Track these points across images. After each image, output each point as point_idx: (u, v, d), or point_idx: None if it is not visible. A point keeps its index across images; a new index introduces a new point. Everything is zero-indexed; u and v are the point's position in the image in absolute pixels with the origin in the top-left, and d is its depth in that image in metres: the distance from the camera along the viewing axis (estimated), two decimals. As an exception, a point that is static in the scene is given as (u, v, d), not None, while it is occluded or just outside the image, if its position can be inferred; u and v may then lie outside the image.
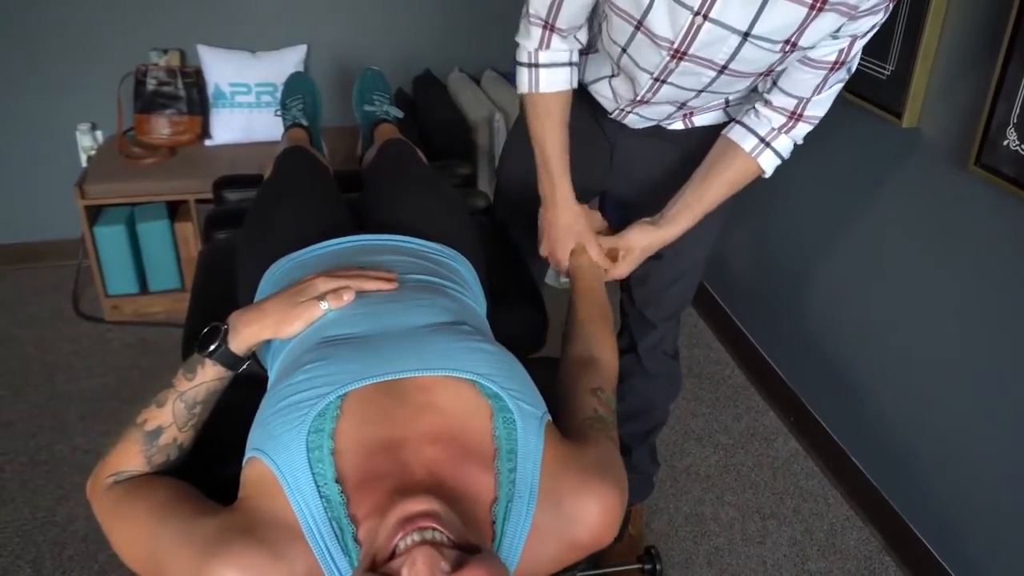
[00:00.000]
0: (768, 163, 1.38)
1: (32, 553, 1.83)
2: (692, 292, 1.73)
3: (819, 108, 1.32)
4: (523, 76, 1.38)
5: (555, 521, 0.88)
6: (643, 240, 1.42)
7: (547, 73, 1.36)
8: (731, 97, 1.42)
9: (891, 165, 1.84)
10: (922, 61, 1.67)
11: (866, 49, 1.80)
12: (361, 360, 0.93)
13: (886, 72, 1.76)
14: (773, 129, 1.34)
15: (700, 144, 1.44)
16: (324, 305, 1.01)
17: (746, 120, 1.36)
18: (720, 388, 2.44)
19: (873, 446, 1.97)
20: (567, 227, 1.43)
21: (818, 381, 2.18)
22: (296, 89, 2.06)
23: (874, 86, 1.80)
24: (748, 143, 1.36)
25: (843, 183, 2.00)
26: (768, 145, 1.36)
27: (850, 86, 1.83)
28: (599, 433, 1.01)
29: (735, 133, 1.37)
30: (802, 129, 1.35)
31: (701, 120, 1.48)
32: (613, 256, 1.44)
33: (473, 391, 0.92)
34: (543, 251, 1.49)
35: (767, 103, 1.33)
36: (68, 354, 2.49)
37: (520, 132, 1.73)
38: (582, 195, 1.53)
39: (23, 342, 2.54)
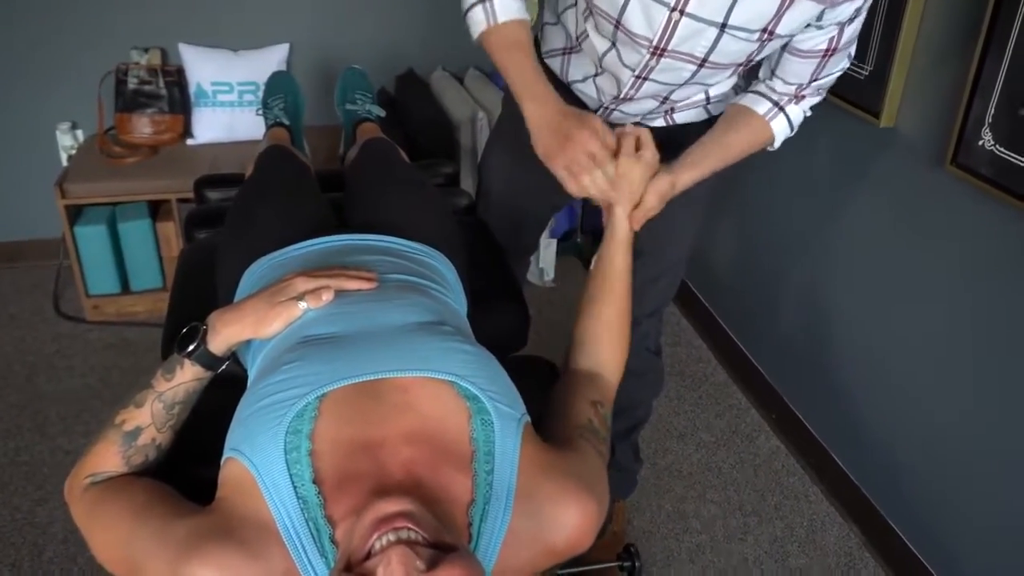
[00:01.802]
0: (780, 129, 1.38)
1: (11, 556, 1.81)
2: (674, 289, 1.74)
3: (822, 86, 1.35)
4: (477, 15, 1.31)
5: (532, 525, 0.88)
6: (660, 183, 1.26)
7: (500, 2, 1.30)
8: (712, 93, 1.43)
9: (869, 164, 1.85)
10: (899, 60, 1.69)
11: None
12: (340, 360, 0.93)
13: (864, 72, 1.77)
14: (785, 95, 1.36)
15: (681, 142, 1.45)
16: (303, 305, 1.01)
17: (758, 88, 1.38)
18: (702, 386, 2.46)
19: (854, 443, 1.99)
20: (581, 125, 1.20)
21: (800, 379, 2.19)
22: (278, 88, 2.06)
23: (852, 86, 1.81)
24: (762, 107, 1.37)
25: (822, 182, 2.02)
26: (782, 110, 1.36)
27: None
28: (587, 444, 1.01)
29: (747, 99, 1.38)
30: (811, 101, 1.38)
31: (682, 118, 1.49)
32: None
33: (451, 392, 0.92)
34: (578, 186, 1.23)
35: (770, 88, 1.35)
36: (49, 354, 2.47)
37: (502, 131, 1.74)
38: (562, 196, 1.52)
39: (2, 342, 2.52)
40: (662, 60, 1.26)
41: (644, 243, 1.53)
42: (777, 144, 1.42)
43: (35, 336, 2.55)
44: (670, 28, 1.20)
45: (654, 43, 1.23)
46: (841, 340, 2.00)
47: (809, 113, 1.41)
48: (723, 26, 1.17)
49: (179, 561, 0.81)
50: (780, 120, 1.38)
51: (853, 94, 1.82)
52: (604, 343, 1.19)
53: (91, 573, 1.77)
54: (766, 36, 1.19)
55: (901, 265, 1.78)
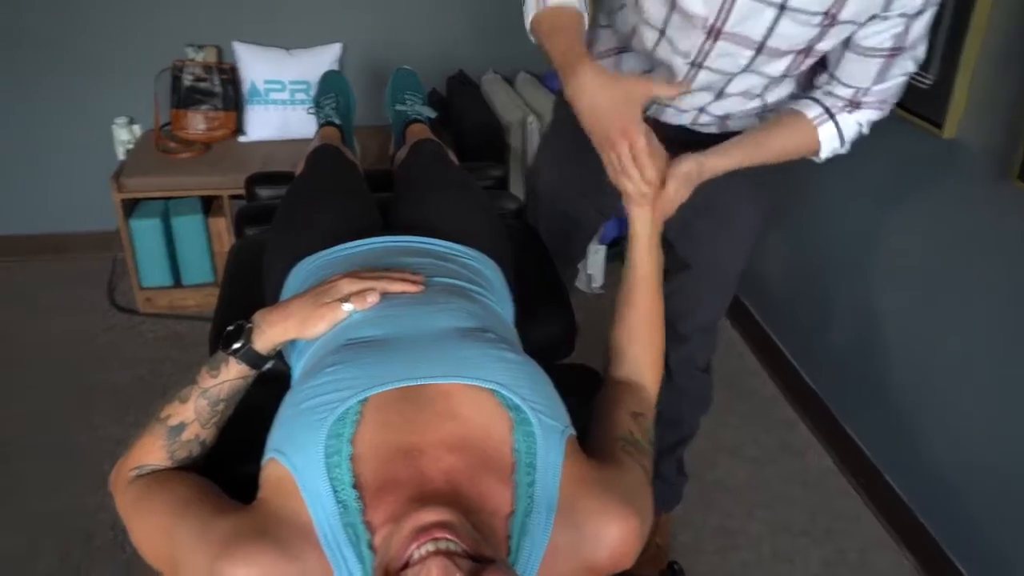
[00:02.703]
0: (827, 137, 1.30)
1: (61, 542, 1.84)
2: (724, 306, 1.69)
3: (884, 95, 1.27)
4: (529, 1, 1.31)
5: (573, 541, 0.86)
6: (685, 165, 1.22)
7: None
8: (768, 100, 1.38)
9: (931, 177, 1.79)
10: (964, 70, 1.62)
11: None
12: (383, 364, 0.92)
13: (927, 81, 1.71)
14: (839, 105, 1.29)
15: None
16: (348, 307, 1.00)
17: (812, 94, 1.32)
18: (751, 399, 2.40)
19: (909, 466, 1.92)
20: (613, 102, 1.14)
21: (853, 396, 2.13)
22: (330, 87, 2.06)
23: (914, 96, 1.74)
24: (812, 111, 1.30)
25: (881, 195, 1.95)
26: (832, 117, 1.29)
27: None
28: (629, 457, 0.99)
29: (800, 103, 1.33)
30: (868, 113, 1.29)
31: (736, 125, 1.45)
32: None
33: (493, 401, 0.90)
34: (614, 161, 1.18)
35: (827, 93, 1.29)
36: (102, 345, 2.52)
37: (553, 136, 1.71)
38: (609, 203, 1.48)
39: (59, 332, 2.57)
40: (718, 43, 1.22)
41: (691, 257, 1.49)
42: (824, 155, 1.34)
43: (89, 327, 2.60)
44: (727, 5, 1.16)
45: (710, 22, 1.19)
46: (897, 358, 1.94)
47: (866, 130, 1.33)
48: (782, 7, 1.13)
49: (217, 559, 0.80)
50: (828, 127, 1.30)
51: (915, 104, 1.75)
52: (637, 351, 1.17)
53: (137, 561, 1.78)
54: (827, 20, 1.14)
55: (961, 282, 1.71)
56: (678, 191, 1.22)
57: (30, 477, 2.02)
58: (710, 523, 1.97)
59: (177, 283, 2.71)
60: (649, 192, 1.18)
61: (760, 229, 1.58)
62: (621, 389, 1.13)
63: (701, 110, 1.42)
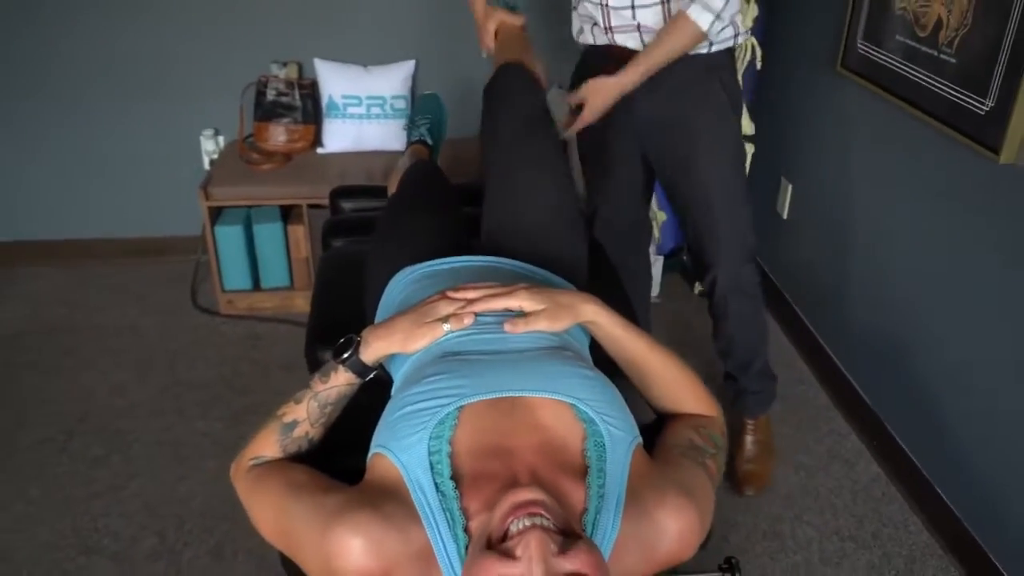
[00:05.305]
0: (697, 14, 1.74)
1: (158, 525, 2.01)
2: (746, 241, 1.99)
3: None
4: None
5: (637, 533, 0.98)
6: (597, 83, 1.82)
7: None
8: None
9: (985, 200, 1.84)
10: (1022, 97, 1.68)
11: (965, 82, 1.81)
12: (477, 377, 1.06)
13: (985, 107, 1.77)
14: None
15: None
16: (447, 327, 1.12)
17: None
18: (803, 409, 2.47)
19: (958, 477, 1.97)
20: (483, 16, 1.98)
21: (903, 407, 2.19)
22: (427, 109, 2.22)
23: (972, 120, 1.80)
24: (683, 3, 1.77)
25: (934, 214, 2.01)
26: None
27: (946, 119, 1.87)
28: (689, 460, 1.10)
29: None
30: None
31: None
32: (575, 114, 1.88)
33: (570, 413, 1.04)
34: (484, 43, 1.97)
35: None
36: (187, 344, 2.70)
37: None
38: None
39: (149, 330, 2.76)
40: None
41: (686, 193, 1.95)
42: (705, 28, 1.75)
43: (176, 326, 2.79)
44: None
45: None
46: (948, 370, 1.99)
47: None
48: None
49: (328, 527, 0.94)
50: (694, 7, 1.74)
51: (972, 129, 1.81)
52: (678, 400, 1.23)
53: (227, 544, 1.95)
54: None
55: (1016, 301, 1.77)
56: (593, 109, 1.83)
57: (137, 465, 2.20)
58: (760, 527, 2.06)
59: (256, 287, 2.87)
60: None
61: (742, 160, 1.99)
62: (679, 415, 1.23)
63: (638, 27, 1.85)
